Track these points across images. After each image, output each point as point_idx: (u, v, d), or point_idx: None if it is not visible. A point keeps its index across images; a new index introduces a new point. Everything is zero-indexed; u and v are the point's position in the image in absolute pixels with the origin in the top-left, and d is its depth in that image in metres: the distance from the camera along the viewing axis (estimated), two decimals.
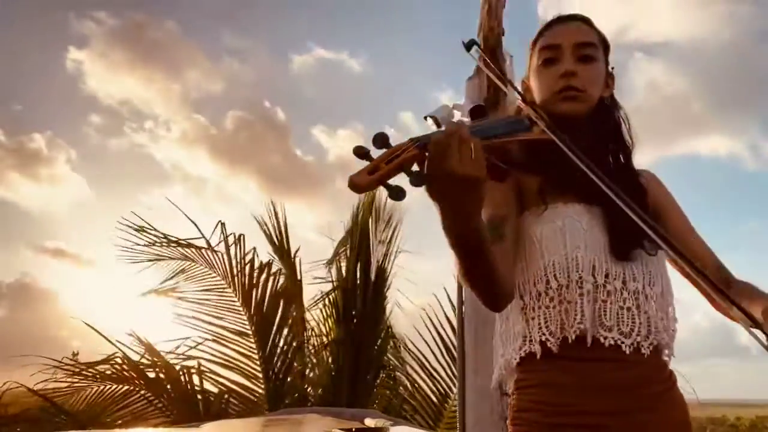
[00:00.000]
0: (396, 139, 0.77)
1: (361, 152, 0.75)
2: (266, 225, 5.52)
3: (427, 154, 0.76)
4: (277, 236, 5.50)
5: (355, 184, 0.72)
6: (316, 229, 5.55)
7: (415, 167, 0.78)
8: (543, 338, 1.02)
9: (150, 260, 5.13)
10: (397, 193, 0.74)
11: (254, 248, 5.21)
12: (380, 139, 0.76)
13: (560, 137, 0.93)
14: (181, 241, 5.17)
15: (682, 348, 1.10)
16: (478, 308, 3.35)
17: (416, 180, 0.76)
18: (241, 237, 5.20)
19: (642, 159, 1.22)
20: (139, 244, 5.12)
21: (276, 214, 5.52)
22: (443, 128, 0.79)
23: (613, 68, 1.19)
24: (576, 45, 1.12)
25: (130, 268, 5.08)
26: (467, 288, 1.02)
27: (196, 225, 5.16)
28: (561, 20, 1.16)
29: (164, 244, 5.17)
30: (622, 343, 0.99)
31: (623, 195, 0.82)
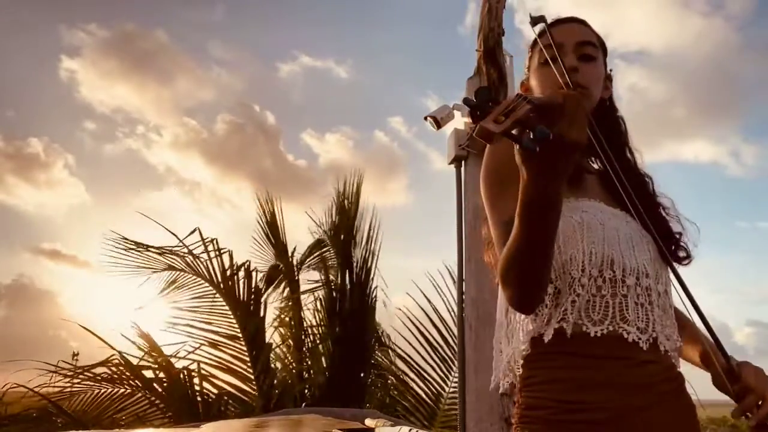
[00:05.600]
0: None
1: (471, 103, 0.71)
2: (263, 223, 5.54)
3: (542, 112, 0.72)
4: (274, 235, 5.51)
5: (486, 131, 0.68)
6: (311, 232, 5.58)
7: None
8: (556, 330, 0.98)
9: (137, 270, 5.19)
10: (529, 142, 0.70)
11: (229, 250, 5.26)
12: (485, 94, 0.72)
13: (597, 136, 0.92)
14: (164, 250, 5.20)
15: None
16: (477, 309, 3.35)
17: (540, 134, 0.70)
18: (214, 240, 5.24)
19: None
20: (126, 257, 5.19)
21: (273, 213, 5.53)
22: (553, 95, 0.73)
23: (611, 70, 1.19)
24: (577, 43, 1.12)
25: (125, 274, 5.16)
26: (507, 285, 0.93)
27: (175, 235, 5.22)
28: (562, 21, 1.16)
29: (149, 253, 5.20)
30: (639, 339, 0.98)
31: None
